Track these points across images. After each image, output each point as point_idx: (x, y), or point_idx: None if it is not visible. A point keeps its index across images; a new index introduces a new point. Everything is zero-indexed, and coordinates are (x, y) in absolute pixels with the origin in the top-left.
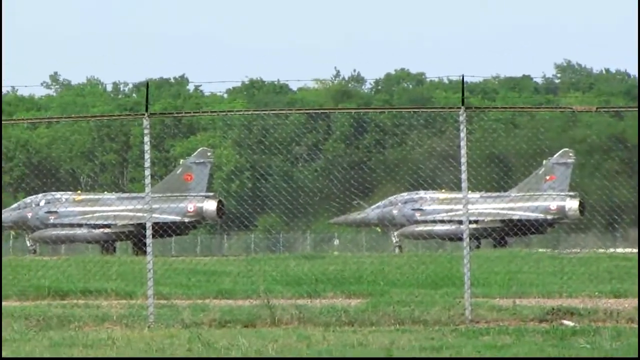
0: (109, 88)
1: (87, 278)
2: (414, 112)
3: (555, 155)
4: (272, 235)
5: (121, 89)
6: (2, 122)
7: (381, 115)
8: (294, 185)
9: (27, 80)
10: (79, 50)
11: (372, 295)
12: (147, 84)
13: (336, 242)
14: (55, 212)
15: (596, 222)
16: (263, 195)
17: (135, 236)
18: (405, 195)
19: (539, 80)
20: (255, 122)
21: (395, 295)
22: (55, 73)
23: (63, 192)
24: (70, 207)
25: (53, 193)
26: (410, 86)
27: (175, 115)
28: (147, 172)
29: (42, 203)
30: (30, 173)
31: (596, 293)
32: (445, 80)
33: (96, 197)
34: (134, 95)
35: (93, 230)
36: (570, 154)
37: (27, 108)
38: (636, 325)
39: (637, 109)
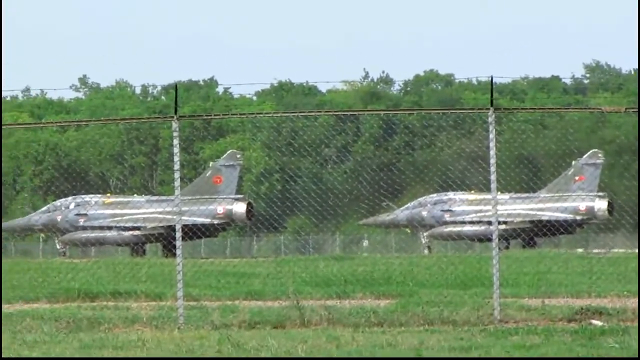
0: (138, 91)
1: (116, 280)
2: (442, 113)
3: (584, 156)
4: (302, 236)
5: (150, 91)
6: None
7: (410, 116)
8: (323, 187)
9: (56, 83)
10: (107, 53)
11: (401, 295)
12: (176, 86)
13: (365, 243)
14: (85, 214)
15: (625, 222)
16: (292, 197)
17: (164, 238)
18: (434, 197)
19: (568, 81)
20: (284, 124)
21: (424, 296)
22: (84, 76)
23: (93, 195)
24: (100, 209)
25: (83, 196)
26: (439, 87)
27: (205, 117)
28: (177, 175)
29: (71, 206)
30: (59, 176)
31: (625, 293)
32: (474, 81)
33: (126, 199)
34: (163, 97)
35: (123, 233)
36: (600, 155)
37: (56, 111)
38: None
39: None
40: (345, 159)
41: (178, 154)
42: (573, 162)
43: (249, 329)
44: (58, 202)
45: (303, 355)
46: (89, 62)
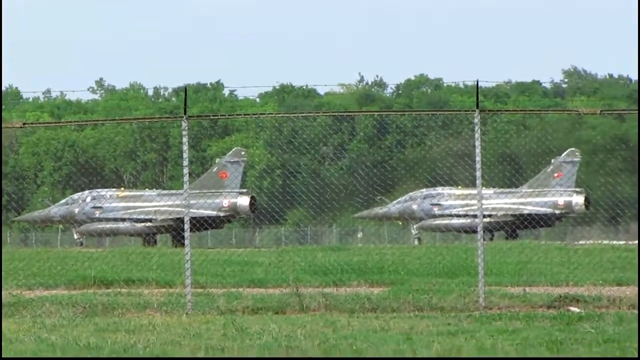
0: (150, 92)
1: (129, 268)
2: (432, 114)
3: (562, 155)
4: (301, 228)
5: (161, 93)
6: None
7: (402, 117)
8: (321, 182)
9: (74, 85)
10: (122, 58)
11: (393, 284)
12: (186, 89)
13: (360, 234)
14: (101, 207)
15: (600, 216)
16: (292, 191)
17: (174, 229)
18: (424, 192)
19: (548, 85)
20: (285, 124)
21: (415, 284)
22: (101, 79)
23: (108, 189)
24: (114, 202)
25: (98, 190)
26: (429, 90)
27: (212, 117)
28: (186, 171)
29: (88, 199)
30: (77, 171)
31: (600, 281)
32: (461, 85)
33: (138, 193)
34: (173, 99)
35: (135, 224)
36: (577, 153)
37: (75, 111)
38: (637, 311)
39: (637, 112)
40: (341, 156)
41: (187, 151)
42: (552, 160)
43: (252, 314)
44: (76, 196)
45: (302, 339)
46: (105, 66)
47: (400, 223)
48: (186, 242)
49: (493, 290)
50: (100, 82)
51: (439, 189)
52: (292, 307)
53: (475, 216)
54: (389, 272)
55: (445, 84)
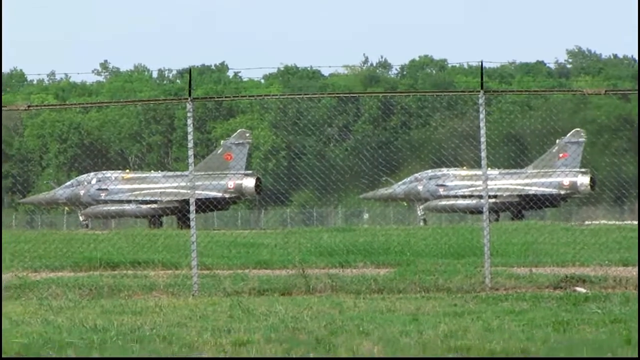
0: (155, 75)
1: (135, 250)
2: (436, 95)
3: (567, 135)
4: (306, 209)
5: (166, 75)
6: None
7: (406, 98)
8: (326, 164)
9: (79, 68)
10: (126, 40)
11: (399, 265)
12: (190, 70)
13: (366, 216)
14: (106, 189)
15: (605, 196)
16: (298, 173)
17: (179, 211)
18: (429, 172)
19: (552, 66)
20: (290, 105)
21: (421, 265)
22: (105, 61)
23: (113, 171)
24: (119, 184)
25: (104, 172)
26: (434, 71)
27: (217, 99)
28: (190, 152)
29: (93, 181)
30: (82, 153)
31: (606, 262)
32: (466, 66)
33: (143, 175)
34: (178, 81)
35: (141, 206)
36: (582, 134)
37: (80, 94)
38: None
39: (637, 92)
40: (346, 137)
41: (192, 133)
42: (557, 141)
43: (258, 295)
44: (81, 178)
45: (308, 320)
46: (110, 48)
47: (406, 204)
48: (192, 223)
49: (499, 271)
50: (104, 64)
51: (444, 170)
52: (298, 288)
53: (480, 197)
54: (394, 253)
55: (449, 65)
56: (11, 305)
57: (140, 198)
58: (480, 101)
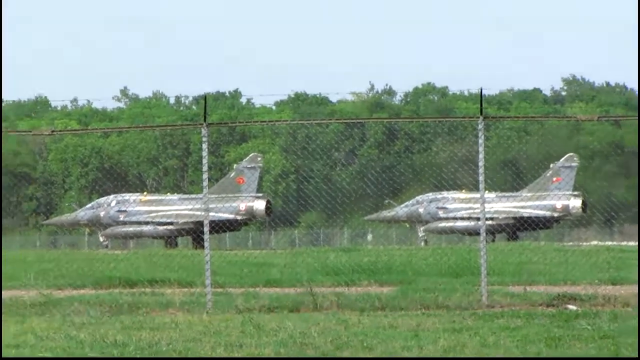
0: (172, 101)
1: (153, 269)
2: (438, 121)
3: (561, 160)
4: (314, 230)
5: (182, 101)
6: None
7: (410, 124)
8: (333, 187)
9: (100, 94)
10: (145, 68)
11: (401, 283)
12: (205, 97)
13: (370, 236)
14: (125, 211)
15: (596, 218)
16: (306, 195)
17: (194, 232)
18: (430, 195)
19: (548, 93)
20: (299, 130)
21: (422, 284)
22: (125, 88)
23: (131, 194)
24: (137, 206)
25: (123, 194)
26: (435, 98)
27: (230, 124)
28: (205, 176)
29: (113, 203)
30: (103, 176)
31: (596, 281)
32: (466, 93)
33: (160, 197)
34: (193, 107)
35: (158, 227)
36: (575, 158)
37: (101, 119)
38: (631, 309)
39: (636, 118)
40: (352, 161)
41: (206, 157)
42: (551, 165)
43: (269, 312)
44: (101, 200)
45: (315, 336)
46: (129, 76)
47: (408, 225)
48: (206, 244)
49: (495, 289)
50: (124, 91)
51: (444, 193)
52: (306, 305)
53: (478, 219)
54: (397, 273)
55: (450, 92)
56: (36, 321)
57: (157, 219)
58: (480, 127)
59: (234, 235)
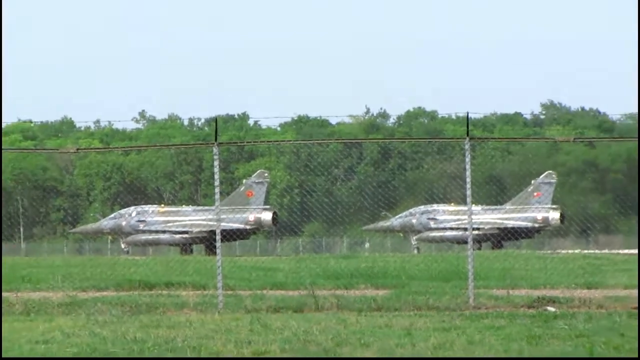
0: (186, 123)
1: (169, 273)
2: (428, 141)
3: (541, 176)
4: (316, 239)
5: (195, 123)
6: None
7: (402, 144)
8: (333, 200)
9: (121, 116)
10: (161, 92)
11: (395, 287)
12: (216, 119)
13: (367, 245)
14: (144, 220)
15: (573, 229)
16: (309, 207)
17: (207, 240)
18: (422, 208)
19: (528, 116)
20: (302, 149)
21: (414, 287)
22: (143, 111)
23: (150, 205)
24: (155, 217)
25: (142, 206)
26: (426, 121)
27: (239, 144)
28: (217, 190)
29: (133, 214)
30: (124, 190)
31: (573, 285)
32: (454, 116)
33: (176, 209)
34: (205, 128)
35: (174, 236)
36: (553, 175)
37: (121, 138)
38: (604, 311)
39: (607, 139)
40: (351, 177)
41: (218, 173)
42: (532, 181)
43: (274, 312)
44: (123, 211)
45: (317, 334)
46: (147, 99)
47: (402, 235)
48: (217, 251)
49: (481, 293)
50: (142, 114)
51: (435, 206)
52: (309, 306)
53: (465, 229)
54: (392, 277)
55: (440, 115)
56: (63, 320)
57: (173, 229)
58: (466, 147)
59: (243, 243)
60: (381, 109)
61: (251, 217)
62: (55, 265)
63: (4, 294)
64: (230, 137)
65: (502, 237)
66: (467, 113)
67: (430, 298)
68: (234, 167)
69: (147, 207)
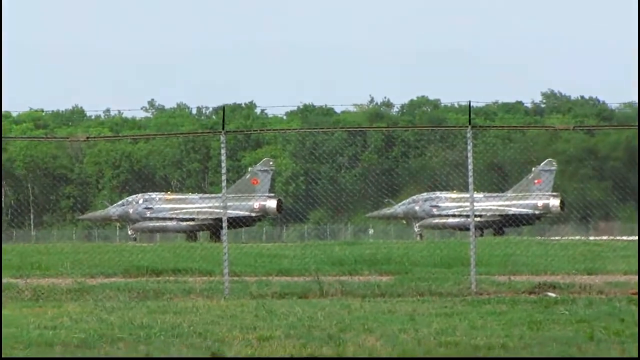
0: (194, 111)
1: (176, 260)
2: (431, 130)
3: (541, 164)
4: (321, 226)
5: (203, 112)
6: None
7: (406, 132)
8: (338, 188)
9: (130, 105)
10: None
11: (399, 273)
12: (224, 108)
13: (371, 231)
14: (151, 208)
15: (573, 216)
16: (314, 195)
17: (213, 227)
18: (425, 195)
19: (529, 105)
20: (307, 138)
21: (417, 273)
22: (152, 100)
23: (157, 193)
24: (163, 204)
25: (150, 193)
26: (429, 109)
27: (246, 132)
28: (224, 177)
29: (140, 201)
30: (132, 178)
31: (573, 271)
32: (456, 105)
33: (183, 196)
34: (213, 117)
35: (181, 223)
36: (553, 163)
37: (130, 127)
38: (604, 297)
39: (607, 128)
40: (355, 165)
41: (225, 161)
42: (533, 169)
43: (280, 298)
44: (130, 198)
45: (322, 319)
46: (156, 88)
47: (405, 222)
48: (224, 238)
49: (483, 279)
50: (151, 102)
51: (438, 193)
52: (314, 292)
53: (468, 216)
54: (395, 263)
55: (442, 104)
56: (71, 306)
57: (180, 216)
58: (468, 135)
59: (249, 230)
60: (385, 97)
61: (256, 204)
62: (64, 252)
63: (14, 280)
64: (237, 125)
65: (504, 223)
66: (469, 102)
67: (433, 284)
68: (240, 155)
69: (154, 195)
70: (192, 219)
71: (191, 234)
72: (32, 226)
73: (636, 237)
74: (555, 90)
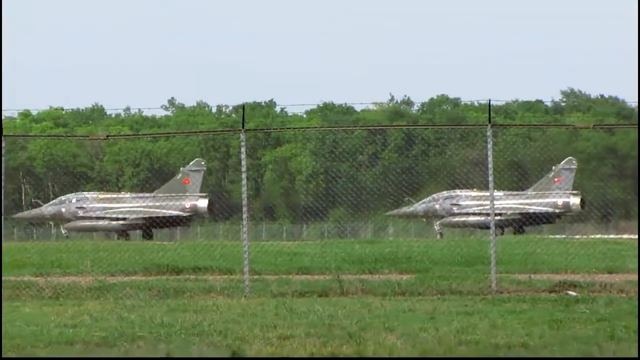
0: (214, 110)
1: (196, 258)
2: (451, 128)
3: (561, 162)
4: (341, 224)
5: (223, 110)
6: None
7: (426, 130)
8: (358, 186)
9: (150, 103)
10: (190, 79)
11: (419, 271)
12: (244, 106)
13: (391, 230)
14: (84, 207)
15: (593, 214)
16: (334, 193)
17: (144, 226)
18: (445, 193)
19: (549, 104)
20: (327, 136)
21: (437, 272)
22: (172, 98)
23: (91, 192)
24: (95, 204)
25: (83, 193)
26: (449, 108)
27: (266, 130)
28: (244, 176)
29: (74, 200)
30: (152, 176)
31: (594, 270)
32: (476, 103)
33: (115, 196)
34: (233, 115)
35: (112, 222)
36: (574, 162)
37: (150, 125)
38: (625, 295)
39: (627, 126)
40: (375, 164)
41: (245, 159)
42: (553, 167)
43: (300, 297)
44: (64, 197)
45: (342, 317)
46: (176, 87)
47: (425, 220)
48: (244, 236)
49: (503, 277)
50: (172, 101)
51: (458, 191)
52: (334, 291)
53: (488, 214)
54: (415, 262)
55: (462, 102)
56: (91, 304)
57: (112, 215)
58: (488, 133)
59: (270, 228)
60: (405, 96)
61: (188, 204)
62: (84, 250)
63: (34, 279)
64: (257, 124)
65: (524, 222)
66: (489, 100)
67: (453, 282)
68: (260, 153)
69: (87, 194)
70: (124, 218)
71: (122, 232)
72: (52, 224)
73: None
74: (575, 89)
